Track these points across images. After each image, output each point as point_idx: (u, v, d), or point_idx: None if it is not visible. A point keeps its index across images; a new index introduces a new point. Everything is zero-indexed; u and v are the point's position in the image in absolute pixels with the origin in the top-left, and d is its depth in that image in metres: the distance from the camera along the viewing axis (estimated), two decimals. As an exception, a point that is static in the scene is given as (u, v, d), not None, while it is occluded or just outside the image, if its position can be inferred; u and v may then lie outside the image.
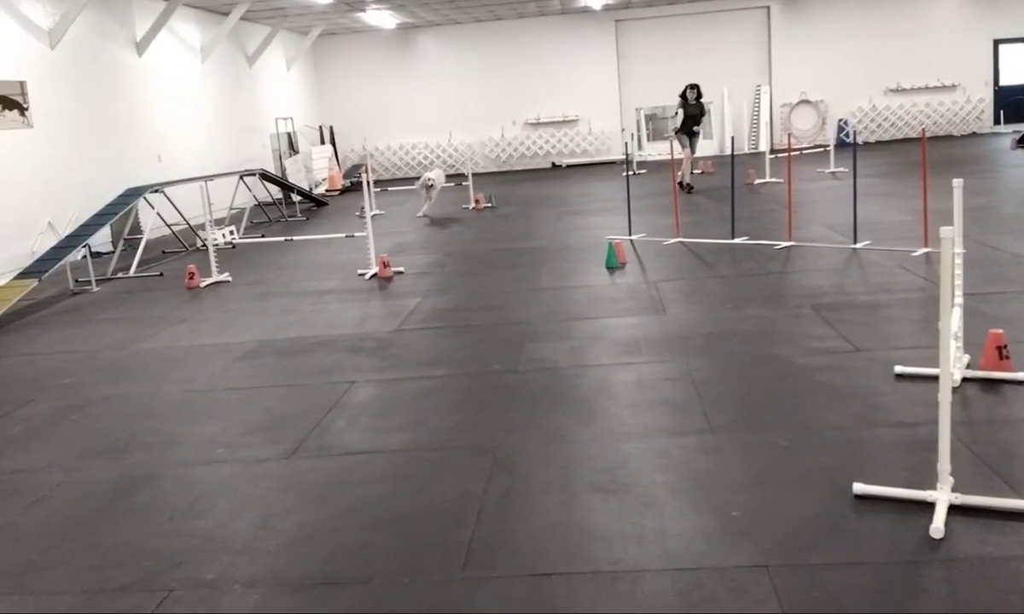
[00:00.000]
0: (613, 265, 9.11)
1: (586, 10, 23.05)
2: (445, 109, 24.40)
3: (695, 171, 18.36)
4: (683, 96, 15.65)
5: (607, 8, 22.94)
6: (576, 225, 12.62)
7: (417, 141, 24.88)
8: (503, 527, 3.68)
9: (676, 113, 15.77)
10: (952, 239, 3.29)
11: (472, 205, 15.74)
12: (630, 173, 18.55)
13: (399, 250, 11.35)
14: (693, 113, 15.63)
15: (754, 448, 4.28)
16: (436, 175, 15.34)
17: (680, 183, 15.12)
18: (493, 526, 3.70)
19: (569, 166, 24.14)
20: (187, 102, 17.08)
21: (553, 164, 24.58)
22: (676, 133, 15.70)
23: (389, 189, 19.19)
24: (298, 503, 4.12)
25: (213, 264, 10.27)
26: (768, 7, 23.51)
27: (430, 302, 8.25)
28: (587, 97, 24.17)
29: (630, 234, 10.75)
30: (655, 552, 3.36)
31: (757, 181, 15.66)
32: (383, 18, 21.76)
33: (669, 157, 13.97)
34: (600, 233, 11.16)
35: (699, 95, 15.65)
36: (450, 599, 3.21)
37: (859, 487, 3.63)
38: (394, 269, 9.75)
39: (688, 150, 15.73)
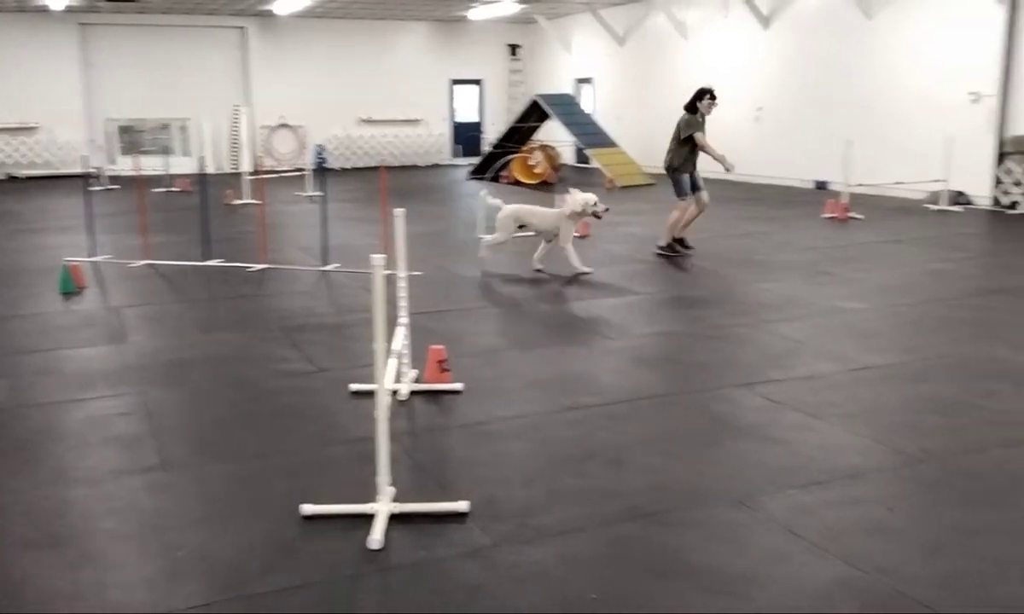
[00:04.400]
0: (70, 290, 8.32)
1: (45, 10, 20.90)
2: None
3: (174, 189, 17.62)
4: (693, 109, 10.14)
5: (70, 10, 21.06)
6: (30, 245, 11.33)
7: None
8: (-99, 609, 3.11)
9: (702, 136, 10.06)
10: (381, 266, 3.54)
11: None
12: (99, 188, 17.24)
13: None
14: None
15: (209, 480, 4.18)
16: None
17: (677, 243, 10.34)
18: None
19: (29, 178, 21.65)
20: None
21: (9, 175, 21.85)
22: (676, 173, 10.20)
23: None
24: None
25: None
26: (244, 28, 23.53)
27: None
28: (49, 104, 21.91)
29: (93, 256, 9.93)
30: (91, 608, 3.09)
31: (236, 201, 15.51)
32: None
33: (139, 172, 13.09)
34: (58, 254, 10.12)
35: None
36: None
37: (307, 508, 3.73)
38: None
39: (694, 196, 10.25)
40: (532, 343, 6.67)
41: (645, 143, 21.43)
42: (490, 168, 19.94)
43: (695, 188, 10.32)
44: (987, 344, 6.48)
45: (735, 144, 19.29)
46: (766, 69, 18.60)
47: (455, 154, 26.06)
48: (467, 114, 26.74)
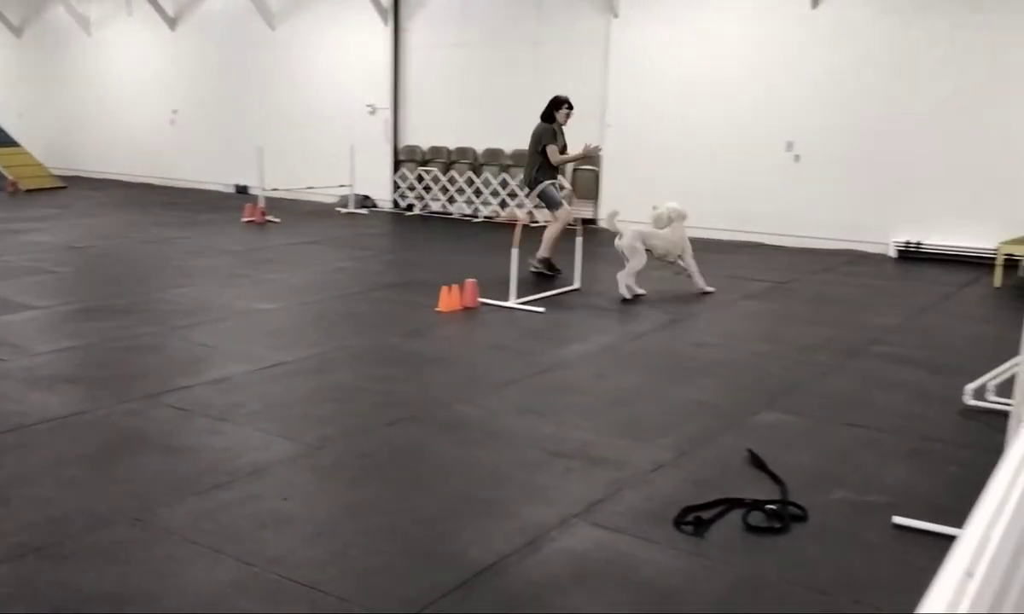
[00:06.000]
0: None
1: None
2: None
3: None
4: (550, 118, 9.55)
5: None
6: None
7: None
8: None
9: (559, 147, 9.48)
10: None
11: None
12: None
13: None
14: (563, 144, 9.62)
15: None
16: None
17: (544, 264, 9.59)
18: None
19: None
20: None
21: None
22: (541, 185, 9.35)
23: None
24: None
25: None
26: None
27: None
28: None
29: None
30: None
31: None
32: None
33: None
34: None
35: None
36: None
37: None
38: None
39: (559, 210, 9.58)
40: None
41: (53, 144, 19.73)
42: None
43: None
44: (383, 334, 7.19)
45: (152, 147, 18.73)
46: (178, 72, 18.26)
47: None
48: None
